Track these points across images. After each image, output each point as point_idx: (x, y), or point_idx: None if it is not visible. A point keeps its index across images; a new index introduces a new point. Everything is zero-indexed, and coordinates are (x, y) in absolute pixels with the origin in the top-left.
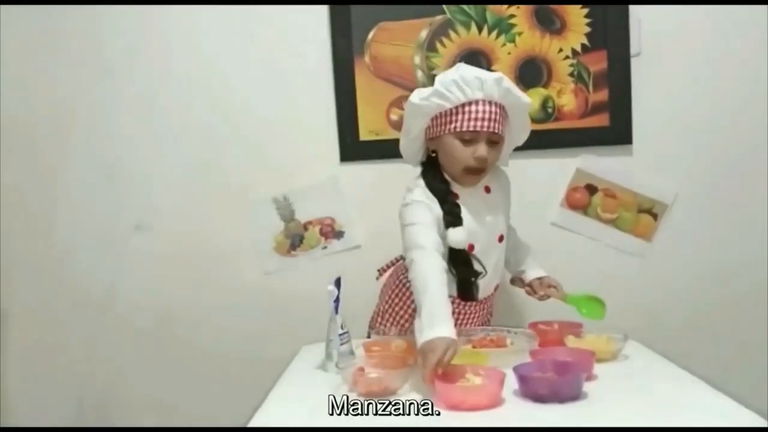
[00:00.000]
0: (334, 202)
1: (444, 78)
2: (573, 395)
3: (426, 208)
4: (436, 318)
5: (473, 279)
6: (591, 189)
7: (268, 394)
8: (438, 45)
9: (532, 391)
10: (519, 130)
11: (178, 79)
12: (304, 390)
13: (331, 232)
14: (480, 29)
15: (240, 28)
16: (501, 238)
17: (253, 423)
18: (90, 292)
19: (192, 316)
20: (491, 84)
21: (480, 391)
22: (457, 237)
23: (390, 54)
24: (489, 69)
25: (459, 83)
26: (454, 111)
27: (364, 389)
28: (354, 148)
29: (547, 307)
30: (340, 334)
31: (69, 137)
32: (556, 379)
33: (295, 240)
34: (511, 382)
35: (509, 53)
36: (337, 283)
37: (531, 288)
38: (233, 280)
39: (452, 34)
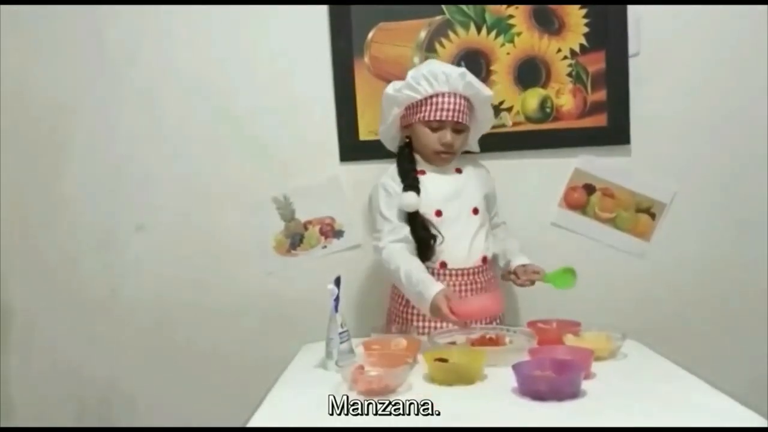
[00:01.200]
0: (334, 202)
1: (415, 72)
2: (572, 393)
3: (384, 190)
4: (425, 285)
5: (432, 243)
6: (589, 189)
7: (268, 393)
8: (437, 45)
9: (530, 390)
10: (483, 120)
11: (178, 80)
12: (305, 389)
13: (330, 231)
14: (479, 29)
15: (240, 29)
16: (476, 211)
17: (254, 422)
18: (91, 292)
19: (192, 316)
20: (455, 78)
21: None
22: (408, 200)
23: (389, 54)
24: (488, 69)
25: (427, 77)
26: (423, 102)
27: (364, 387)
28: (354, 147)
29: (546, 306)
30: (340, 333)
31: (70, 138)
32: (554, 378)
33: (295, 239)
34: (510, 381)
35: (508, 53)
36: (337, 282)
37: (515, 275)
38: (233, 279)
39: (451, 34)
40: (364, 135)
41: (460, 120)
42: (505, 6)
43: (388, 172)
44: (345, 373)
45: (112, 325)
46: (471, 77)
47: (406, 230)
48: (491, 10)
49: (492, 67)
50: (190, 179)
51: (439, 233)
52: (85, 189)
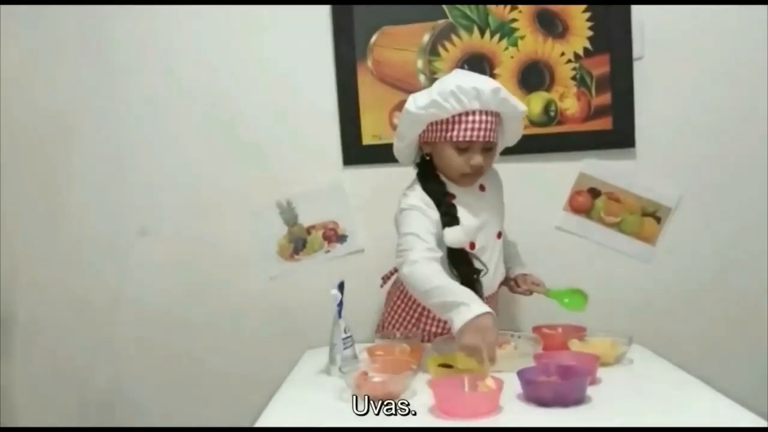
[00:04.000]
0: (337, 206)
1: (442, 88)
2: (577, 399)
3: (421, 213)
4: (471, 298)
5: (476, 277)
6: (594, 193)
7: (271, 399)
8: (440, 49)
9: (536, 395)
10: (511, 135)
11: (181, 85)
12: (308, 394)
13: (334, 236)
14: (482, 33)
15: (243, 33)
16: (499, 235)
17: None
18: (94, 296)
19: (195, 320)
20: (488, 95)
21: (484, 399)
22: (455, 237)
23: (392, 58)
24: (491, 73)
25: (456, 94)
26: (450, 120)
27: (368, 393)
28: (357, 152)
29: (551, 311)
30: (344, 338)
31: (73, 142)
32: (560, 383)
33: (298, 244)
34: (515, 386)
35: (512, 57)
36: (341, 287)
37: (515, 282)
38: (237, 284)
39: (455, 38)
40: (367, 139)
41: (491, 139)
42: (508, 10)
43: (415, 193)
44: (348, 379)
45: (114, 329)
46: (505, 93)
47: (440, 254)
48: (495, 13)
49: (495, 71)
50: (193, 184)
51: (484, 265)
52: (87, 194)
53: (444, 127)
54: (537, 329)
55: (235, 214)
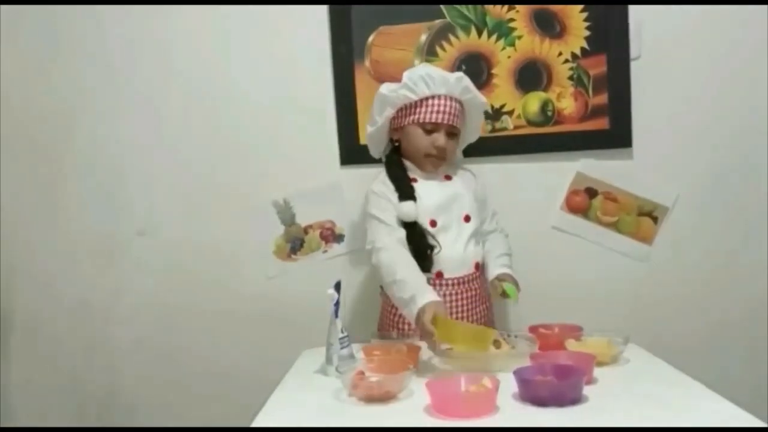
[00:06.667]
0: (335, 206)
1: (411, 74)
2: (573, 399)
3: (380, 196)
4: (418, 291)
5: (429, 253)
6: (591, 192)
7: (268, 399)
8: (438, 49)
9: (532, 395)
10: (472, 129)
11: (179, 85)
12: (305, 394)
13: (331, 235)
14: (480, 33)
15: (241, 34)
16: (467, 218)
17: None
18: (92, 296)
19: (193, 321)
20: (453, 81)
21: (480, 399)
22: (407, 209)
23: (390, 58)
24: (489, 73)
25: (425, 78)
26: (418, 103)
27: (364, 393)
28: (354, 151)
29: (548, 310)
30: (341, 338)
31: (70, 143)
32: (556, 383)
33: (295, 244)
34: (512, 386)
35: (509, 57)
36: (338, 287)
37: (492, 286)
38: (234, 285)
39: (452, 38)
40: (364, 139)
41: (454, 123)
42: (506, 9)
43: (378, 179)
44: (345, 379)
45: (112, 329)
46: (468, 82)
47: (402, 232)
48: (492, 13)
49: (493, 71)
50: (191, 184)
51: (437, 242)
52: (85, 194)
53: (412, 111)
54: (533, 329)
55: (233, 214)
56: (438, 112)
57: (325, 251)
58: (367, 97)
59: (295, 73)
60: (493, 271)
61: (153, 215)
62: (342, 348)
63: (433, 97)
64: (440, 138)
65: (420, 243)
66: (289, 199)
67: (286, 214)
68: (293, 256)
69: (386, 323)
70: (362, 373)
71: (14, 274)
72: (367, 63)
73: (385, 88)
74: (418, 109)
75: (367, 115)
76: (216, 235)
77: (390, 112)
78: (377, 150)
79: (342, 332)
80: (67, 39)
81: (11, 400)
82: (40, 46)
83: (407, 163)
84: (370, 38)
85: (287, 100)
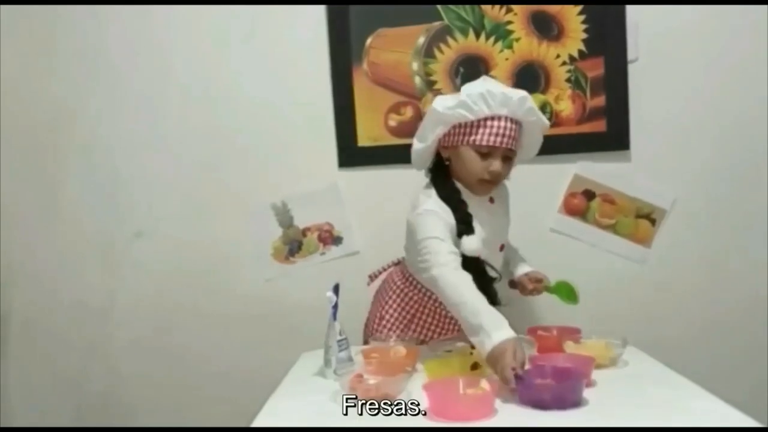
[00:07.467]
0: (333, 208)
1: (471, 90)
2: (573, 401)
3: (439, 218)
4: (494, 323)
5: (491, 284)
6: (589, 195)
7: (266, 401)
8: (436, 51)
9: (531, 398)
10: (529, 148)
11: (177, 86)
12: (303, 397)
13: (329, 238)
14: (477, 35)
15: (239, 35)
16: (502, 248)
17: None
18: (90, 297)
19: (191, 323)
20: (516, 102)
21: (479, 402)
22: (472, 245)
23: (388, 60)
24: (487, 74)
25: (485, 96)
26: (475, 123)
27: (363, 396)
28: (352, 154)
29: (546, 313)
30: (339, 341)
31: (69, 144)
32: (555, 386)
33: (293, 246)
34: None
35: (507, 59)
36: (336, 289)
37: (521, 285)
38: (232, 286)
39: (450, 40)
40: (362, 141)
41: (513, 147)
42: (503, 12)
43: (431, 199)
44: (343, 382)
45: (111, 330)
46: (532, 102)
47: (460, 259)
48: (490, 15)
49: (491, 73)
50: (189, 186)
51: (498, 272)
52: (83, 195)
53: (468, 130)
54: (532, 331)
55: (231, 216)
56: (497, 135)
57: (323, 253)
58: (365, 100)
59: (294, 74)
60: (521, 269)
61: (152, 216)
62: (340, 350)
63: (492, 118)
64: (496, 163)
65: (480, 277)
66: (287, 202)
67: (284, 217)
68: (291, 258)
69: (381, 323)
70: (361, 375)
71: (13, 274)
72: (365, 65)
73: (440, 105)
74: (474, 130)
75: (365, 118)
76: (214, 236)
77: (442, 130)
78: (422, 165)
79: (340, 335)
80: (67, 39)
81: (10, 400)
82: (40, 46)
83: (457, 184)
84: (368, 40)
85: (285, 102)
